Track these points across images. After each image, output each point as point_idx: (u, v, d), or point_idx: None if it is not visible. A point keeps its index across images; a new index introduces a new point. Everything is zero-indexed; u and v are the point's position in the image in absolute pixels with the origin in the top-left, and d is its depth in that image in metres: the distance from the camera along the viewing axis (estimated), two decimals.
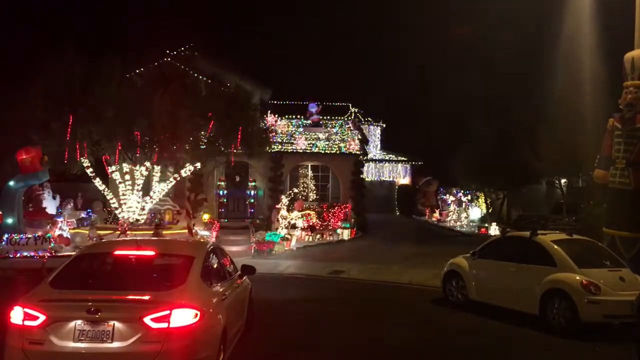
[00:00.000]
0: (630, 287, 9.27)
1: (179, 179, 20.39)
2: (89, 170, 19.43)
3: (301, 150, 26.99)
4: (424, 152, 40.92)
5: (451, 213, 33.95)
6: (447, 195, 35.25)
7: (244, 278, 8.58)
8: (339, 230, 24.96)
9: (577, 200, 24.78)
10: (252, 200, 25.95)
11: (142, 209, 19.87)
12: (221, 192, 25.97)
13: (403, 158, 41.16)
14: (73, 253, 9.99)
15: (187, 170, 20.20)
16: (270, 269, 16.31)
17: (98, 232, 18.47)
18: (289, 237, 21.87)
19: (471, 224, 31.60)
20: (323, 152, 27.27)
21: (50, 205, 21.86)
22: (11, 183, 18.31)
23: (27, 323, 5.79)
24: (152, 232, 17.89)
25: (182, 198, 22.06)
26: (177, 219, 21.09)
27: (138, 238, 11.61)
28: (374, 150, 40.76)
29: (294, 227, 23.22)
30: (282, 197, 23.87)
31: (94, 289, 6.50)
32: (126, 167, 19.59)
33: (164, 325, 5.76)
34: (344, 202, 26.86)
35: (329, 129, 28.77)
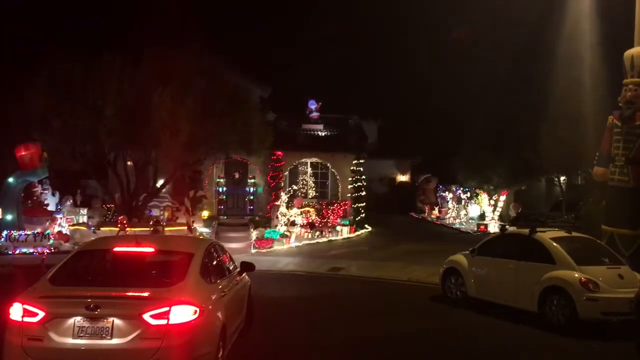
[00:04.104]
0: (629, 285, 9.27)
1: (178, 175, 20.39)
2: (88, 167, 19.45)
3: (301, 148, 26.96)
4: (424, 149, 40.85)
5: (450, 210, 33.95)
6: (447, 192, 35.20)
7: (244, 275, 8.57)
8: (338, 227, 24.96)
9: (576, 198, 24.78)
10: (252, 197, 25.95)
11: (142, 206, 19.88)
12: (220, 189, 25.97)
13: (402, 155, 41.12)
14: (72, 249, 10.00)
15: (186, 167, 20.21)
16: (269, 266, 16.31)
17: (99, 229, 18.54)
18: (288, 234, 21.87)
19: (470, 221, 31.59)
20: (322, 149, 27.23)
21: (49, 202, 21.85)
22: (10, 180, 18.32)
23: (26, 319, 5.79)
24: (151, 228, 17.91)
25: (182, 195, 22.07)
26: (176, 215, 21.11)
27: (137, 235, 11.62)
28: (373, 146, 40.73)
29: (293, 224, 23.23)
30: (282, 194, 23.87)
31: (93, 286, 6.52)
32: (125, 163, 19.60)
33: (164, 321, 5.76)
34: (343, 199, 26.87)
35: (328, 125, 28.75)
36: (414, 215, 37.37)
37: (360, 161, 28.28)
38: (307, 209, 25.19)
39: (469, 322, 10.45)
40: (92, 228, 18.79)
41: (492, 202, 28.75)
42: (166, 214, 21.12)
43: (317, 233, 24.00)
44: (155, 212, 20.89)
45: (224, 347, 6.77)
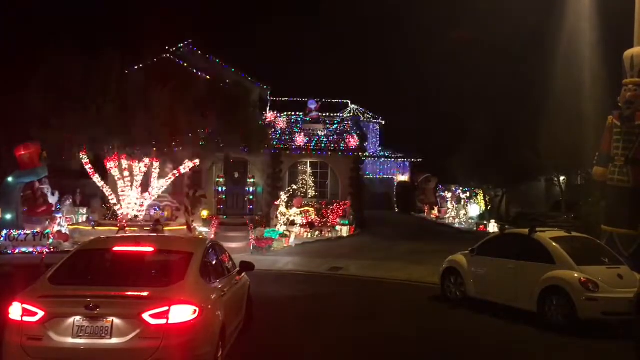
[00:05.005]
0: (629, 285, 9.28)
1: (178, 175, 20.39)
2: (87, 166, 19.45)
3: (300, 147, 26.99)
4: (423, 148, 40.93)
5: (450, 210, 33.96)
6: (446, 192, 35.23)
7: (243, 274, 8.57)
8: (337, 227, 24.95)
9: (576, 198, 24.76)
10: (251, 197, 25.96)
11: (141, 205, 19.88)
12: (220, 189, 25.97)
13: (402, 155, 41.19)
14: (72, 249, 9.98)
15: (186, 167, 20.21)
16: (269, 266, 16.31)
17: (97, 228, 18.57)
18: (287, 233, 21.86)
19: (470, 221, 31.60)
20: (322, 148, 27.24)
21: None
22: (10, 179, 18.32)
23: (25, 319, 5.79)
24: (150, 228, 17.91)
25: (181, 194, 22.06)
26: (176, 215, 21.11)
27: (137, 234, 11.60)
28: (373, 147, 40.78)
29: (292, 223, 23.22)
30: (281, 193, 23.86)
31: (92, 285, 6.50)
32: (125, 163, 19.59)
33: (163, 321, 5.76)
34: (342, 198, 26.85)
35: (328, 125, 28.77)
36: (414, 214, 37.40)
37: (360, 161, 28.28)
38: (306, 208, 25.19)
39: (468, 322, 10.45)
40: (92, 223, 18.87)
41: (492, 202, 28.72)
42: (166, 213, 21.12)
43: (317, 233, 24.00)
44: (155, 212, 20.89)
45: (224, 346, 6.77)
